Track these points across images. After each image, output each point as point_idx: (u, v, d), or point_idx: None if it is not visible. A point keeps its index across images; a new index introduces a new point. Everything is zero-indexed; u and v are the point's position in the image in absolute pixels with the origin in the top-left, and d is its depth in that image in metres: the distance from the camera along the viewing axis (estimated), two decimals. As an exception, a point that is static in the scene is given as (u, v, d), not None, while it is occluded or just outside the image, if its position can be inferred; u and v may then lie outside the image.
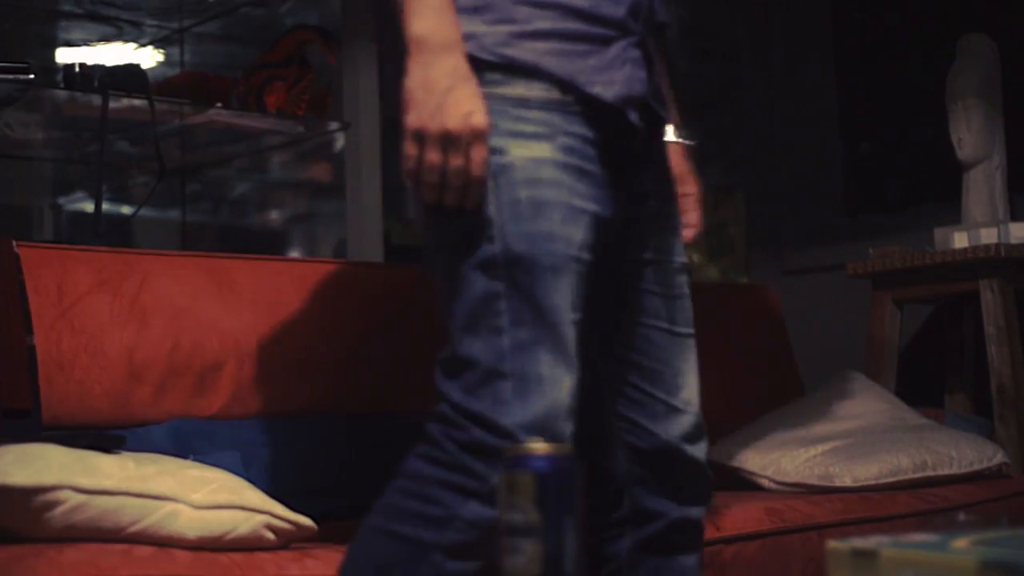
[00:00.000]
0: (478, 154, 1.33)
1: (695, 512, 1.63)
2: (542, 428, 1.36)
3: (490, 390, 1.37)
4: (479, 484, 1.37)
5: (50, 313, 1.97)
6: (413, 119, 1.32)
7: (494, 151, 1.36)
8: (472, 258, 1.38)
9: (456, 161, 1.32)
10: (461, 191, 1.35)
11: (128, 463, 1.53)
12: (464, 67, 1.34)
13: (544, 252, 1.37)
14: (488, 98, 1.36)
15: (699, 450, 1.61)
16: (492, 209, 1.36)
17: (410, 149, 1.33)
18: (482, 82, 1.37)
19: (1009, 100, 2.85)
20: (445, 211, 1.39)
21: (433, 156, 1.32)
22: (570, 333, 1.39)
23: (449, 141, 1.32)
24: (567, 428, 1.39)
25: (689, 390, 1.60)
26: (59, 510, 1.44)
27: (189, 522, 1.51)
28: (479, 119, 1.33)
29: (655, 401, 1.58)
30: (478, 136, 1.33)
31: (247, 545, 1.55)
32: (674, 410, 1.59)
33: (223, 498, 1.55)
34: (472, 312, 1.39)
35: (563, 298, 1.38)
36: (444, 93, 1.32)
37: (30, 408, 1.89)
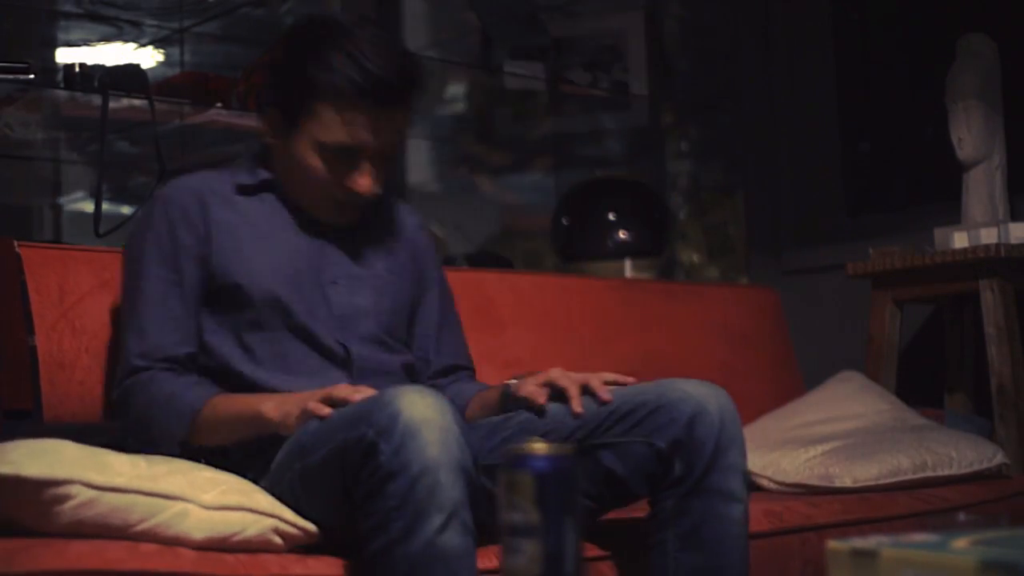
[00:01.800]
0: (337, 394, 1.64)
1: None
2: None
3: None
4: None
5: (51, 313, 1.97)
6: (296, 420, 1.66)
7: None
8: None
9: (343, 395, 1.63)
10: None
11: (140, 462, 1.54)
12: (287, 395, 1.73)
13: None
14: None
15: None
16: None
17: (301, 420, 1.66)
18: None
19: (1009, 100, 2.85)
20: None
21: (319, 407, 1.64)
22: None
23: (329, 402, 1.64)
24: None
25: None
26: (69, 504, 1.44)
27: (198, 522, 1.51)
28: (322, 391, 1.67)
29: None
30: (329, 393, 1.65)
31: (253, 548, 1.55)
32: None
33: (233, 500, 1.55)
34: None
35: None
36: (298, 403, 1.67)
37: (31, 408, 1.90)
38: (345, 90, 1.77)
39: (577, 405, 1.73)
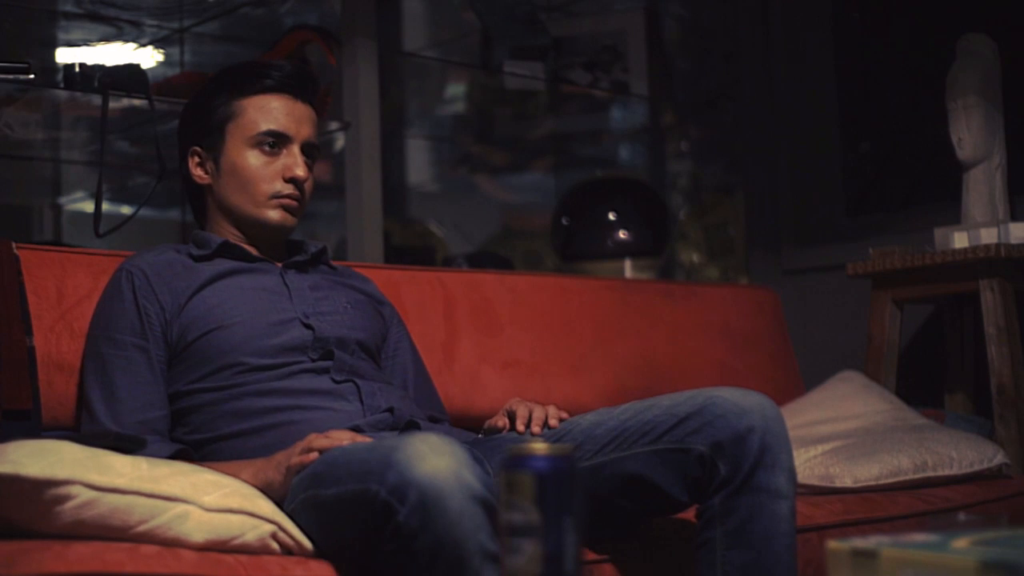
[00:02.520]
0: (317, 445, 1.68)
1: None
2: None
3: None
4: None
5: (50, 315, 1.97)
6: (282, 483, 1.70)
7: None
8: None
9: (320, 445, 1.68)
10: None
11: (141, 463, 1.53)
12: (267, 459, 1.75)
13: None
14: None
15: None
16: None
17: (290, 478, 1.69)
18: None
19: (1009, 100, 2.85)
20: None
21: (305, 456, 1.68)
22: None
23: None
24: None
25: None
26: (69, 505, 1.44)
27: (198, 525, 1.50)
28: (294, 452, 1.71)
29: None
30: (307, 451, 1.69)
31: (252, 552, 1.54)
32: None
33: (235, 503, 1.54)
34: None
35: None
36: (277, 467, 1.71)
37: (30, 409, 1.89)
38: (263, 84, 1.99)
39: (521, 425, 1.86)
